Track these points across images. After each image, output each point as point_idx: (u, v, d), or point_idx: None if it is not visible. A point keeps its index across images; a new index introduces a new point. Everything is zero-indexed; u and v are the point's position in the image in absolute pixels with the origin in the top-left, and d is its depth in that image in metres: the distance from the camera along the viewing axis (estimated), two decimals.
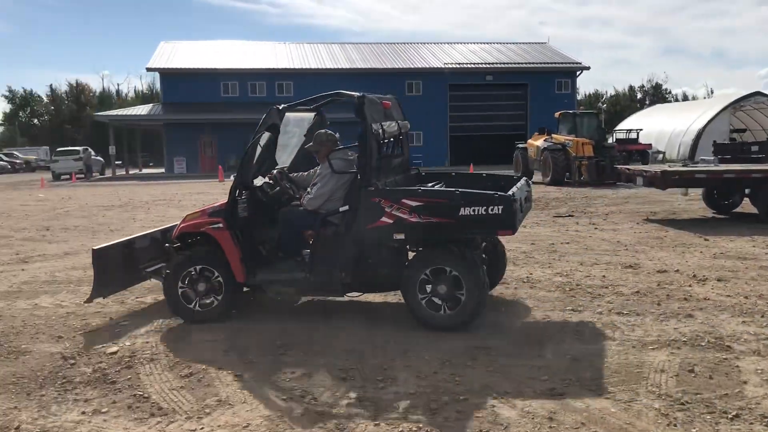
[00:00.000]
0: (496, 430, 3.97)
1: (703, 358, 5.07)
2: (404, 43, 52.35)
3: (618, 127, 38.16)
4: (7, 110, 75.88)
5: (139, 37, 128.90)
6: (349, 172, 6.21)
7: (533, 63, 47.77)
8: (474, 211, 5.63)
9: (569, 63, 48.37)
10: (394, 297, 6.87)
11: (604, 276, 8.03)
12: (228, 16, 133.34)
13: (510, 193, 5.86)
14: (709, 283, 7.56)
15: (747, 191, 13.34)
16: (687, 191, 17.24)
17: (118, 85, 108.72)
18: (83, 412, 4.38)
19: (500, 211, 5.61)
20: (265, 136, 6.54)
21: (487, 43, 53.01)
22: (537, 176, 25.32)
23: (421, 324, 5.91)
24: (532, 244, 10.48)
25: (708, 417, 4.06)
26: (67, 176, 39.22)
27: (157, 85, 56.57)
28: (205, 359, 5.33)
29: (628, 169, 14.90)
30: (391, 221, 5.77)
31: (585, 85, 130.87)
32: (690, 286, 7.44)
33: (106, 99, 76.24)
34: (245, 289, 6.57)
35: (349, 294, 6.34)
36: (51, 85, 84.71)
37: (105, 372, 5.10)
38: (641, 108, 59.84)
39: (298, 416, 4.25)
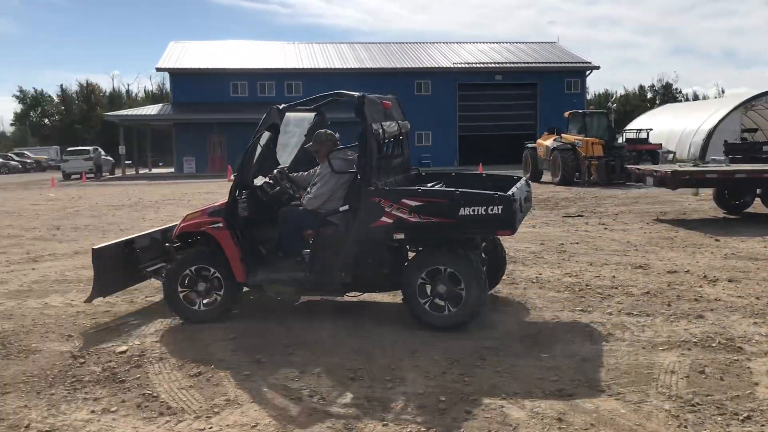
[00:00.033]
0: (505, 431, 3.96)
1: (713, 359, 5.03)
2: (413, 43, 52.33)
3: (628, 127, 38.08)
4: (18, 110, 76.46)
5: (149, 37, 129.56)
6: (349, 172, 6.21)
7: (543, 63, 47.63)
8: (474, 211, 5.64)
9: (579, 63, 48.20)
10: (401, 297, 6.85)
11: (613, 276, 7.99)
12: (238, 16, 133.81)
13: (509, 193, 5.86)
14: (720, 283, 7.52)
15: (758, 191, 13.23)
16: (698, 191, 17.15)
17: (128, 85, 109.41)
18: (92, 411, 4.39)
19: (500, 211, 5.62)
20: (265, 135, 6.55)
21: (497, 43, 52.91)
22: (546, 176, 25.28)
23: (421, 324, 5.91)
24: (542, 245, 10.44)
25: (719, 419, 4.03)
26: (78, 176, 39.42)
27: (167, 85, 56.77)
28: (214, 359, 5.34)
29: (638, 169, 14.84)
30: (390, 221, 5.78)
31: (595, 85, 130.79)
32: (701, 286, 7.39)
33: (116, 99, 76.60)
34: (245, 288, 6.58)
35: (348, 294, 6.37)
36: (61, 86, 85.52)
37: (114, 371, 5.12)
38: (651, 108, 59.60)
39: (307, 416, 4.24)
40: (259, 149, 6.48)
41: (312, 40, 55.18)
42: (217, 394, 4.64)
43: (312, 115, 7.20)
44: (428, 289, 5.86)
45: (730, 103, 39.23)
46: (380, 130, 6.12)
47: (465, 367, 5.01)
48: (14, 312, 6.98)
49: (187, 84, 44.44)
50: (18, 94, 75.46)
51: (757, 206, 13.68)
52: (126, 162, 45.84)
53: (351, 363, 5.13)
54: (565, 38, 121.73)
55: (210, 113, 41.89)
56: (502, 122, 46.97)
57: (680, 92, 79.10)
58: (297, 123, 7.17)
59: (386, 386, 4.67)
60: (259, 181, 6.54)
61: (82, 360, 5.40)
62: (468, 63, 46.91)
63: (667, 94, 76.63)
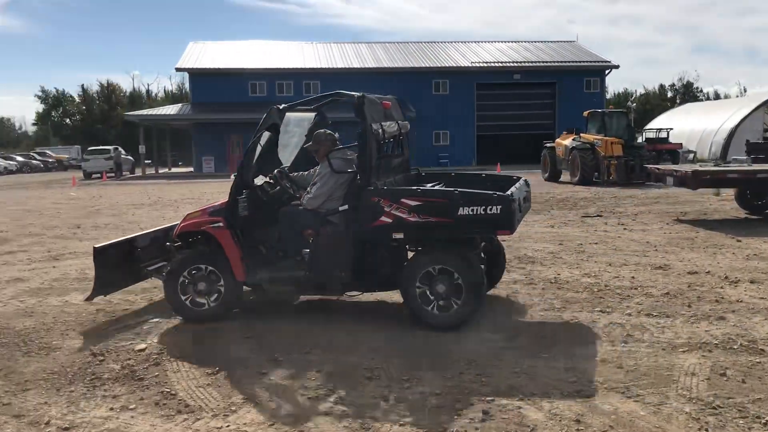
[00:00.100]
0: None
1: (735, 362, 4.97)
2: (431, 42, 52.20)
3: (648, 127, 37.72)
4: (40, 110, 77.24)
5: (168, 37, 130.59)
6: (348, 172, 6.23)
7: (562, 62, 47.30)
8: (473, 210, 5.64)
9: (598, 61, 47.82)
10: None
11: (633, 277, 7.92)
12: (257, 16, 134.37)
13: (508, 193, 5.86)
14: (741, 285, 7.42)
15: None
16: (719, 191, 16.96)
17: (148, 85, 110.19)
18: (111, 408, 4.43)
19: (499, 211, 5.62)
20: (266, 135, 6.57)
21: (515, 42, 52.63)
22: (565, 176, 25.14)
23: (420, 323, 5.92)
24: (560, 245, 10.38)
25: (741, 422, 3.97)
26: (98, 175, 39.82)
27: (187, 85, 57.15)
28: (232, 357, 5.36)
29: (658, 169, 14.70)
30: (390, 221, 5.79)
31: (614, 84, 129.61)
32: (722, 287, 7.31)
33: (137, 99, 77.19)
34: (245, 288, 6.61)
35: (348, 293, 6.40)
36: (83, 86, 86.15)
37: (133, 369, 5.15)
38: (672, 107, 59.04)
39: (324, 415, 4.24)
40: (259, 149, 6.50)
41: (331, 40, 55.19)
42: (235, 392, 4.66)
43: (312, 115, 7.23)
44: (427, 288, 5.88)
45: (752, 102, 38.74)
46: (380, 130, 6.15)
47: (482, 367, 4.98)
48: (35, 309, 7.05)
49: (207, 84, 44.67)
50: (40, 94, 76.36)
51: None
52: (146, 161, 46.18)
53: (368, 362, 5.13)
54: (585, 37, 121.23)
55: (229, 113, 42.07)
56: (521, 122, 46.71)
57: (701, 91, 78.28)
58: (297, 123, 7.20)
59: (403, 386, 4.66)
60: (259, 180, 6.57)
61: (102, 357, 5.44)
62: (486, 62, 46.71)
63: (687, 93, 75.84)
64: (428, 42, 52.35)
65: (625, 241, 10.63)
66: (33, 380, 4.98)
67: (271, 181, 6.61)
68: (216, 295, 6.32)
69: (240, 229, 6.28)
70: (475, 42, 52.41)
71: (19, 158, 53.94)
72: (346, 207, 6.06)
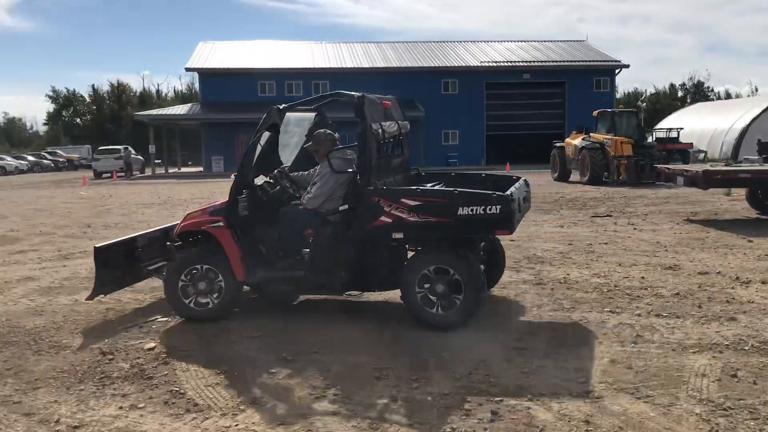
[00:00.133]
0: None
1: (746, 363, 4.93)
2: (441, 42, 52.14)
3: (658, 126, 37.55)
4: (51, 110, 77.66)
5: (178, 38, 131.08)
6: (348, 172, 6.23)
7: (571, 61, 47.16)
8: (472, 210, 5.65)
9: (608, 61, 47.65)
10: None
11: (643, 277, 7.88)
12: (266, 16, 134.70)
13: (508, 192, 5.87)
14: (753, 285, 7.37)
15: None
16: (730, 191, 16.86)
17: (158, 85, 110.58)
18: (120, 407, 4.44)
19: (498, 211, 5.63)
20: (265, 135, 6.57)
21: (525, 41, 52.50)
22: (575, 176, 25.05)
23: (420, 323, 5.93)
24: (570, 245, 10.34)
25: (752, 423, 3.94)
26: (109, 174, 40.01)
27: (196, 85, 57.36)
28: (241, 356, 5.37)
29: (668, 169, 14.63)
30: (390, 220, 5.80)
31: (624, 84, 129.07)
32: (733, 288, 7.26)
33: (147, 99, 77.52)
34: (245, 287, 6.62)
35: (348, 293, 6.42)
36: (93, 85, 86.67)
37: (142, 368, 5.17)
38: (682, 106, 58.74)
39: (332, 415, 4.24)
40: (259, 149, 6.51)
41: (340, 39, 55.17)
42: (244, 391, 4.67)
43: (312, 115, 7.24)
44: (427, 288, 5.89)
45: (764, 102, 38.48)
46: (380, 130, 6.16)
47: (491, 367, 4.97)
48: (45, 308, 7.09)
49: (216, 84, 44.82)
50: (51, 94, 76.84)
51: None
52: (156, 161, 46.37)
53: (377, 363, 5.12)
54: (595, 36, 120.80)
55: (238, 113, 42.15)
56: (530, 121, 46.60)
57: (712, 91, 77.87)
58: (297, 123, 7.21)
59: (412, 386, 4.65)
60: (259, 180, 6.58)
61: (111, 356, 5.46)
62: (496, 62, 46.63)
63: (698, 93, 75.44)
64: (437, 42, 52.32)
65: (635, 241, 10.58)
66: (43, 379, 5.00)
67: (271, 180, 6.63)
68: (216, 294, 6.33)
69: (240, 229, 6.29)
70: (484, 41, 52.33)
71: (30, 158, 54.26)
72: (346, 207, 6.07)
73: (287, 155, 7.12)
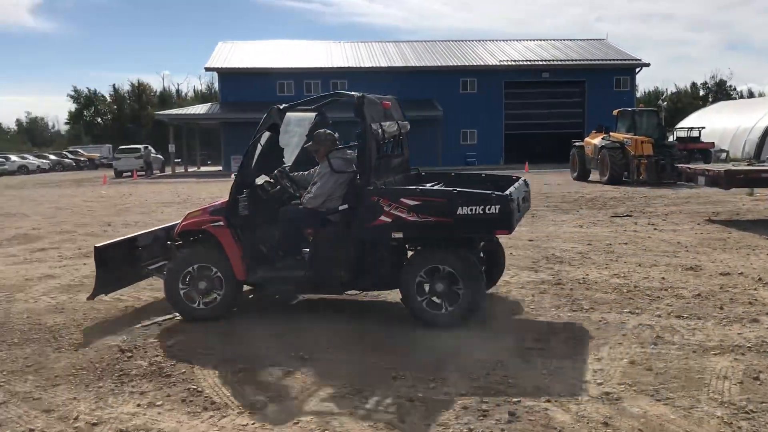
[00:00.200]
0: None
1: None
2: (459, 41, 52.00)
3: (679, 125, 37.19)
4: (73, 110, 78.41)
5: (198, 38, 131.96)
6: (348, 172, 6.24)
7: (591, 60, 46.82)
8: (471, 210, 5.65)
9: (628, 59, 47.26)
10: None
11: (663, 278, 7.80)
12: (283, 15, 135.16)
13: (507, 192, 5.86)
14: None
15: None
16: (752, 191, 16.64)
17: (177, 84, 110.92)
18: (138, 405, 4.47)
19: (497, 211, 5.63)
20: (266, 135, 6.57)
21: (544, 40, 52.20)
22: (594, 175, 24.87)
23: (420, 322, 5.94)
24: (589, 245, 10.27)
25: None
26: (129, 173, 40.36)
27: (216, 85, 57.69)
28: (258, 355, 5.38)
29: (690, 168, 14.46)
30: (389, 220, 5.81)
31: (644, 83, 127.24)
32: (755, 289, 7.16)
33: (167, 98, 78.06)
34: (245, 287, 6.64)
35: (347, 292, 6.43)
36: (114, 85, 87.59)
37: (160, 365, 5.20)
38: (704, 105, 58.12)
39: (349, 414, 4.24)
40: (259, 148, 6.51)
41: (356, 39, 55.30)
42: (261, 390, 4.68)
43: (313, 114, 7.25)
44: (426, 287, 5.91)
45: None
46: (380, 130, 6.17)
47: (509, 368, 4.94)
48: (66, 306, 7.15)
49: (235, 83, 45.03)
50: (72, 93, 77.52)
51: None
52: (175, 160, 46.67)
53: (394, 362, 5.11)
54: (614, 35, 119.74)
55: (257, 112, 41.76)
56: (549, 120, 46.32)
57: (734, 89, 76.88)
58: (298, 123, 7.23)
59: (429, 386, 4.64)
60: (260, 180, 6.59)
61: (130, 354, 5.50)
62: (515, 61, 46.42)
63: (720, 92, 74.59)
64: (456, 41, 52.19)
65: (655, 242, 10.47)
66: (63, 376, 5.05)
67: (272, 180, 6.65)
68: (216, 293, 6.35)
69: (240, 228, 6.31)
70: (503, 40, 52.11)
71: (52, 157, 54.89)
72: (345, 206, 6.09)
73: (288, 155, 7.14)
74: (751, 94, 74.91)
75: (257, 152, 6.48)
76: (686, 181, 14.79)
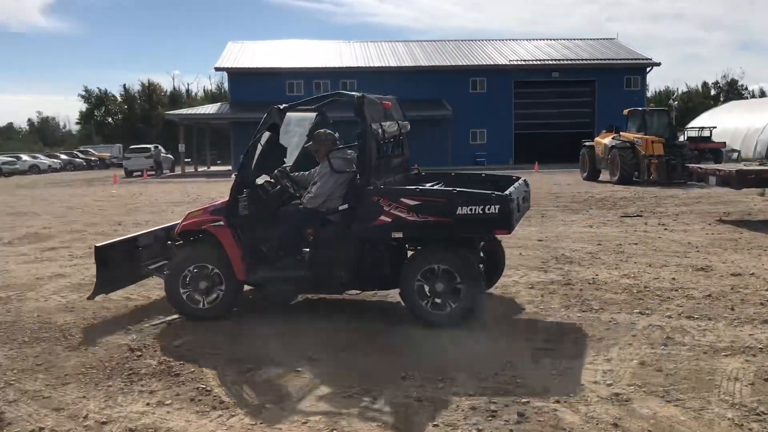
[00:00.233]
0: None
1: None
2: (469, 41, 51.90)
3: (690, 125, 37.00)
4: (84, 109, 78.79)
5: (208, 38, 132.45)
6: (348, 171, 6.24)
7: (601, 59, 46.60)
8: (471, 210, 5.67)
9: (639, 59, 47.03)
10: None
11: (673, 278, 7.76)
12: (294, 15, 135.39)
13: (507, 192, 5.86)
14: None
15: None
16: (764, 191, 16.53)
17: (188, 84, 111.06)
18: (147, 404, 4.48)
19: (497, 211, 5.64)
20: (266, 135, 6.58)
21: (554, 40, 52.01)
22: (604, 175, 24.77)
23: (421, 322, 5.95)
24: (599, 245, 10.22)
25: None
26: (139, 173, 40.52)
27: (226, 85, 57.81)
28: (266, 355, 5.39)
29: (701, 168, 14.38)
30: (389, 220, 5.82)
31: (655, 82, 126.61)
32: (767, 290, 7.10)
33: (177, 98, 78.29)
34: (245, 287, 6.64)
35: (348, 292, 6.44)
36: (124, 85, 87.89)
37: (170, 365, 5.21)
38: (715, 105, 57.76)
39: (357, 414, 4.24)
40: (259, 148, 6.52)
41: (366, 38, 55.26)
42: (269, 389, 4.69)
43: (313, 115, 7.25)
44: (426, 287, 5.91)
45: None
46: (380, 130, 6.18)
47: (518, 368, 4.92)
48: (76, 305, 7.19)
49: (245, 83, 45.10)
50: (83, 93, 77.84)
51: None
52: (185, 160, 46.81)
53: (402, 362, 5.10)
54: (625, 35, 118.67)
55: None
56: (559, 120, 46.15)
57: (746, 89, 76.37)
58: (298, 123, 7.24)
59: (437, 386, 4.63)
60: (260, 180, 6.60)
61: (139, 353, 5.52)
62: (524, 60, 46.28)
63: (732, 91, 74.13)
64: (465, 40, 52.11)
65: (665, 242, 10.41)
66: (73, 374, 5.07)
67: (272, 180, 6.65)
68: (216, 293, 6.36)
69: (240, 228, 6.32)
70: (513, 40, 51.98)
71: (63, 156, 55.19)
72: (345, 206, 6.10)
73: (288, 155, 7.15)
74: (763, 94, 74.32)
75: (257, 152, 6.49)
76: (697, 181, 14.72)
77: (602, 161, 24.72)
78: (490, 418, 4.09)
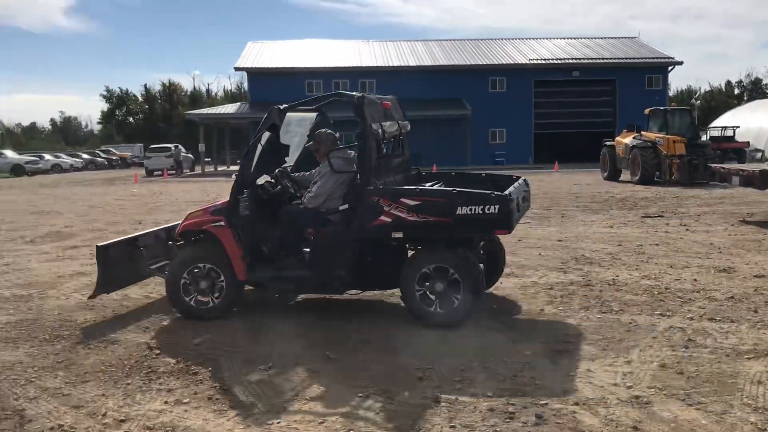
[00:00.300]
0: None
1: None
2: (488, 40, 51.68)
3: (713, 125, 36.54)
4: (105, 109, 79.61)
5: (228, 38, 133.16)
6: (348, 171, 6.24)
7: (622, 58, 46.23)
8: (471, 210, 5.67)
9: (660, 58, 46.58)
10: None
11: (695, 280, 7.66)
12: (317, 16, 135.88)
13: (506, 192, 5.85)
14: None
15: None
16: None
17: (208, 84, 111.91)
18: (166, 402, 4.50)
19: (497, 211, 5.64)
20: (266, 135, 6.58)
21: (574, 38, 51.66)
22: (625, 175, 24.58)
23: (420, 322, 5.94)
24: (619, 245, 10.13)
25: None
26: (159, 172, 40.82)
27: (245, 85, 58.09)
28: (284, 354, 5.39)
29: (723, 168, 14.19)
30: (389, 220, 5.82)
31: (677, 81, 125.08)
32: None
33: (197, 98, 78.87)
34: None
35: (348, 292, 6.45)
36: (145, 85, 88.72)
37: (188, 363, 5.23)
38: (738, 104, 57.05)
39: (374, 414, 4.22)
40: (260, 149, 6.52)
41: (390, 38, 55.19)
42: (286, 388, 4.69)
43: (314, 115, 7.25)
44: (426, 287, 5.90)
45: None
46: (380, 130, 6.17)
47: (536, 370, 4.88)
48: (95, 303, 7.23)
49: (264, 83, 45.27)
50: (105, 93, 78.66)
51: None
52: (205, 159, 47.10)
53: (420, 362, 5.08)
54: (647, 33, 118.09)
55: None
56: (580, 119, 45.78)
57: None
58: (299, 123, 7.26)
59: (455, 387, 4.60)
60: (260, 180, 6.61)
61: (158, 351, 5.55)
62: (545, 59, 46.01)
63: (756, 90, 73.16)
64: (485, 39, 51.87)
65: (687, 243, 10.29)
66: (92, 372, 5.11)
67: (273, 180, 6.66)
68: (217, 293, 6.37)
69: (241, 228, 6.33)
70: (533, 39, 51.70)
71: (85, 156, 55.74)
72: (346, 206, 6.10)
73: (289, 155, 7.15)
74: None
75: (257, 152, 6.50)
76: (720, 182, 14.51)
77: (623, 161, 24.52)
78: (508, 420, 4.06)
